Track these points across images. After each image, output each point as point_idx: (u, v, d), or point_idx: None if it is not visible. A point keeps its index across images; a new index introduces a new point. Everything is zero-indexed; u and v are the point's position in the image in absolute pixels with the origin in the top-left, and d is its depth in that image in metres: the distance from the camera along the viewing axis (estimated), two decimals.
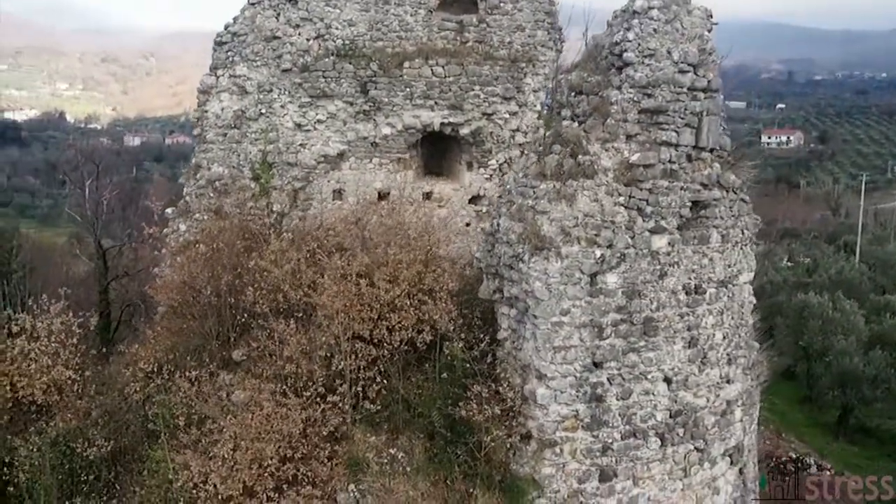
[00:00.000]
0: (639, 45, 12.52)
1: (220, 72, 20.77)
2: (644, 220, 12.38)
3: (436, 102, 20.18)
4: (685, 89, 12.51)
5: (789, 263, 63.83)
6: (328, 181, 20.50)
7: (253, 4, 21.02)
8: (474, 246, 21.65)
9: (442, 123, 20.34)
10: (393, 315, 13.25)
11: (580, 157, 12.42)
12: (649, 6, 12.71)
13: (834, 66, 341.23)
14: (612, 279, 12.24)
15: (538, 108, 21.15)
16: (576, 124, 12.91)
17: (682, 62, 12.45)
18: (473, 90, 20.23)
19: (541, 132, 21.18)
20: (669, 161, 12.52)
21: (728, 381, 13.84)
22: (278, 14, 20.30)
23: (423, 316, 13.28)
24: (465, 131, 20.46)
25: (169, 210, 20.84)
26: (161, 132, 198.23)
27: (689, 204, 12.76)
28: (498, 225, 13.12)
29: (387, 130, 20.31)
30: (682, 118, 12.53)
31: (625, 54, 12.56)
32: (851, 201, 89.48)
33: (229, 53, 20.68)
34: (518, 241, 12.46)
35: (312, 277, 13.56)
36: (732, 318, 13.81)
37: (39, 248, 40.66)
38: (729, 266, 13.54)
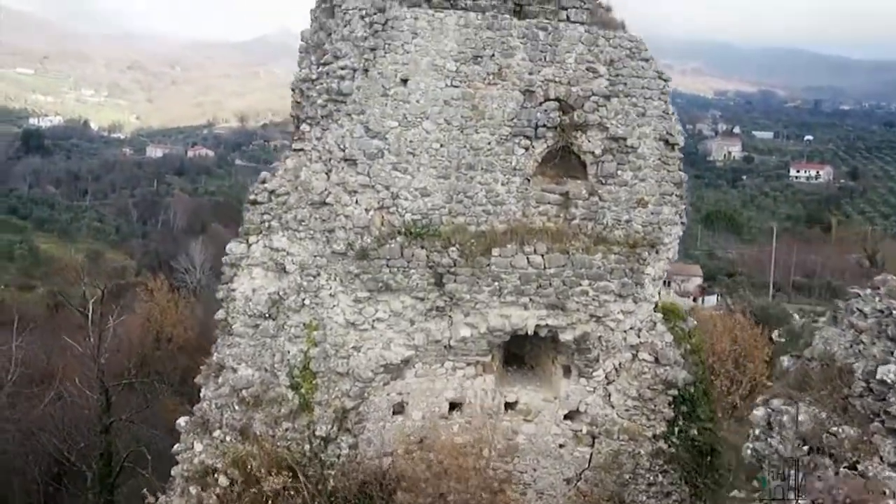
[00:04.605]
0: None
1: (252, 239, 16.24)
2: None
3: (531, 300, 15.45)
4: None
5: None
6: (387, 394, 15.82)
7: (297, 151, 16.48)
8: (569, 472, 16.99)
9: (538, 325, 15.66)
10: None
11: None
12: None
13: (861, 96, 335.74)
14: None
15: (656, 299, 16.43)
16: None
17: None
18: (581, 285, 15.47)
19: (658, 328, 16.57)
20: None
21: None
22: (329, 171, 15.68)
23: None
24: (567, 337, 15.70)
25: (181, 421, 16.29)
26: (183, 143, 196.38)
27: None
28: None
29: (466, 333, 15.61)
30: None
31: None
32: (888, 247, 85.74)
33: (265, 217, 16.15)
34: None
35: None
36: None
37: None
38: None
